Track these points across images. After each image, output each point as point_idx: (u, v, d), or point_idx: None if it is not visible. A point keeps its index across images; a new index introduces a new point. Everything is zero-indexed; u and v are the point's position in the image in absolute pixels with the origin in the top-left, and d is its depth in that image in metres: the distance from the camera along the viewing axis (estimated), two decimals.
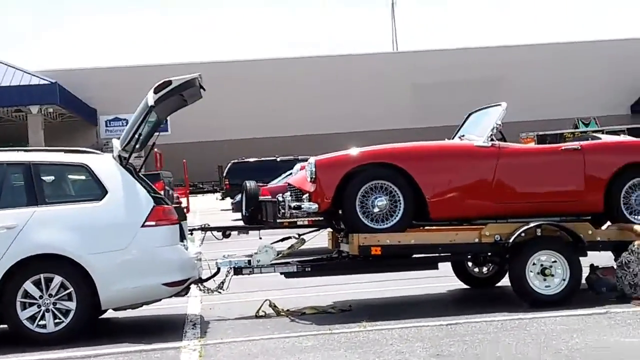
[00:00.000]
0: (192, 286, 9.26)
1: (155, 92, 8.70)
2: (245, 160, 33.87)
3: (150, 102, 8.63)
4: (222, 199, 33.60)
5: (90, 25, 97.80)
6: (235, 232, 12.50)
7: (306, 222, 11.27)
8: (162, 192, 16.21)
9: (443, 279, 10.42)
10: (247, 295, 10.21)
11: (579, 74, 54.29)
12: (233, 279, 9.40)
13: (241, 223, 12.68)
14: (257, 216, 11.15)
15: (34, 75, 40.57)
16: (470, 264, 10.09)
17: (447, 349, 7.06)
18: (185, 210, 35.26)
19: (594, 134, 9.90)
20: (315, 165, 8.92)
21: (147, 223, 8.41)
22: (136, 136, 8.82)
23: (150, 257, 8.42)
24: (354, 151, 9.25)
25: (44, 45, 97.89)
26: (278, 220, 10.48)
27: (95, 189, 8.50)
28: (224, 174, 34.03)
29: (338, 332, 7.91)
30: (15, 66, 42.13)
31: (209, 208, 34.65)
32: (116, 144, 8.89)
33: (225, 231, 12.38)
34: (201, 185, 50.76)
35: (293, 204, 9.15)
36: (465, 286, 10.30)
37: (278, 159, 30.62)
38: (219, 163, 41.14)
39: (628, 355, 6.53)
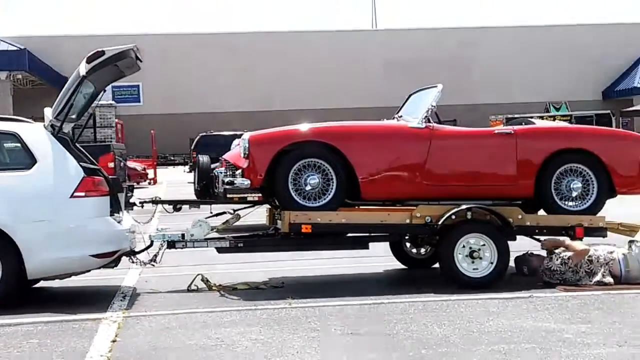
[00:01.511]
0: (125, 258, 9.32)
1: (88, 62, 8.65)
2: (214, 133, 33.67)
3: (82, 72, 8.59)
4: (190, 171, 33.48)
5: None
6: (187, 206, 12.60)
7: (256, 199, 11.24)
8: (112, 164, 16.29)
9: (383, 259, 10.42)
10: (189, 268, 10.12)
11: (552, 58, 54.23)
12: (183, 253, 9.53)
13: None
14: (208, 190, 11.23)
15: (3, 41, 40.28)
16: (408, 244, 10.14)
17: (363, 327, 7.11)
18: (152, 180, 35.51)
19: (529, 119, 9.90)
20: (249, 142, 8.90)
21: (75, 194, 8.37)
22: (67, 106, 8.75)
23: (78, 228, 8.38)
24: (288, 128, 9.27)
25: (15, 10, 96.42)
26: (229, 195, 10.55)
27: (24, 158, 8.46)
28: (192, 147, 33.88)
29: (262, 308, 7.92)
30: None
31: (177, 180, 34.57)
32: (47, 112, 8.84)
33: (176, 205, 12.44)
34: (172, 158, 50.61)
35: (227, 179, 9.18)
36: (403, 266, 10.30)
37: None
38: (192, 136, 40.99)
39: (536, 339, 6.52)
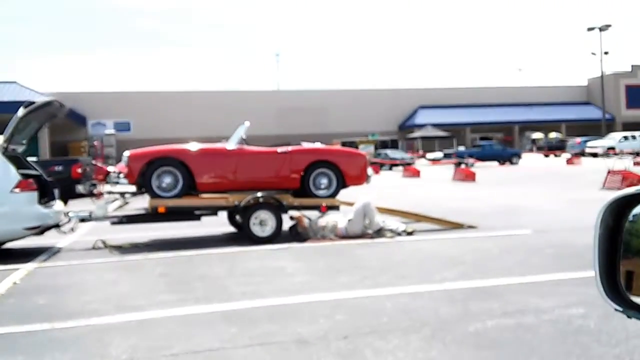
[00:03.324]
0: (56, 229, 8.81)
1: (24, 107, 8.18)
2: None
3: (19, 114, 8.09)
4: None
5: (82, 59, 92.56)
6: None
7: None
8: (80, 169, 15.50)
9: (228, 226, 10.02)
10: (113, 236, 9.29)
11: (370, 107, 54.78)
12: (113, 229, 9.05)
13: None
14: None
15: (41, 94, 38.15)
16: (237, 216, 9.87)
17: (171, 268, 6.76)
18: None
19: (302, 142, 9.69)
20: (128, 157, 8.57)
21: (14, 190, 7.92)
22: (10, 135, 8.18)
23: (16, 211, 7.92)
24: (153, 148, 8.93)
25: (50, 71, 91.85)
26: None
27: None
28: None
29: (125, 260, 7.50)
30: (28, 87, 39.56)
31: None
32: None
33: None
34: None
35: (114, 180, 8.79)
36: (235, 230, 10.00)
37: None
38: None
39: (264, 273, 6.29)
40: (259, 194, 8.66)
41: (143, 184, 8.70)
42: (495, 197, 14.62)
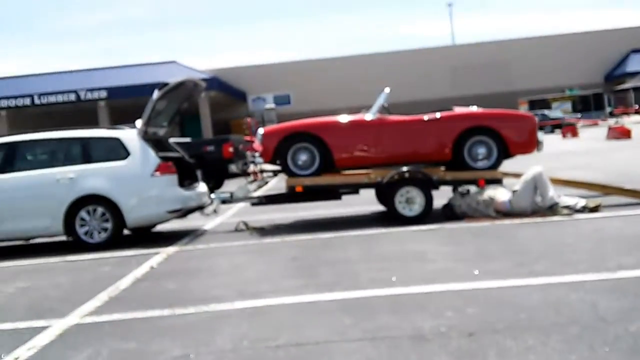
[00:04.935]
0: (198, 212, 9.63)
1: (159, 89, 8.95)
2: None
3: (154, 97, 8.89)
4: None
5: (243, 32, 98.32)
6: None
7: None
8: (230, 149, 16.61)
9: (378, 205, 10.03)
10: (252, 217, 9.99)
11: (565, 56, 50.72)
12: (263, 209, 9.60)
13: None
14: None
15: (200, 72, 41.73)
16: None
17: (305, 251, 7.00)
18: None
19: (449, 107, 9.34)
20: (262, 134, 9.01)
21: (154, 173, 8.75)
22: (148, 118, 8.96)
23: (157, 194, 8.69)
24: (288, 123, 9.24)
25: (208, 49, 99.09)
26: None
27: (122, 153, 8.83)
28: None
29: (262, 242, 7.95)
30: (187, 66, 43.38)
31: None
32: (138, 123, 9.09)
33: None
34: None
35: (251, 159, 9.30)
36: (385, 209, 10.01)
37: None
38: None
39: (402, 256, 6.28)
40: (405, 169, 8.56)
41: (280, 163, 9.08)
42: None
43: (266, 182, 10.02)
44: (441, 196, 8.82)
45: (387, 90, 9.11)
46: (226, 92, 45.50)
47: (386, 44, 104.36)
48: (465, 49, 53.09)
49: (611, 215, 7.79)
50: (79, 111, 41.36)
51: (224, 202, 9.57)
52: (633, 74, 46.29)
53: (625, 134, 25.03)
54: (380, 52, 53.65)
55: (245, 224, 9.30)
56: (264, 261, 6.83)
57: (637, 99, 43.57)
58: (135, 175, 8.69)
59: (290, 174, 8.88)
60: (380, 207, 9.85)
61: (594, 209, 8.03)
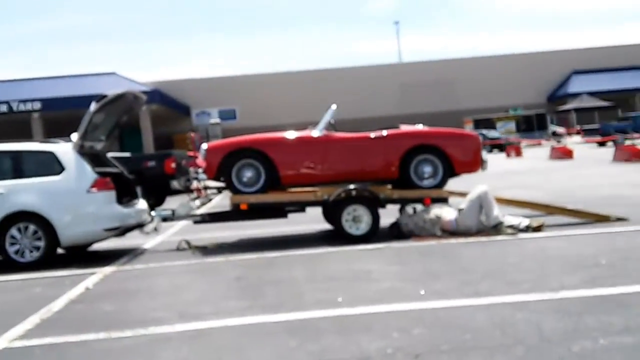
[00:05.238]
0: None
1: (96, 102, 8.77)
2: None
3: (91, 109, 8.70)
4: None
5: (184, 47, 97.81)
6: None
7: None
8: (173, 165, 16.37)
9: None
10: (195, 236, 9.87)
11: (510, 77, 52.49)
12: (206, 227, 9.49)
13: None
14: None
15: (141, 85, 41.13)
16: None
17: (249, 271, 6.95)
18: None
19: (396, 125, 9.49)
20: (206, 150, 8.94)
21: (90, 189, 8.53)
22: (84, 132, 8.74)
23: (93, 211, 8.49)
24: (232, 139, 9.20)
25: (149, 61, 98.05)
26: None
27: (57, 167, 8.59)
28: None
29: (205, 262, 7.85)
30: (128, 78, 42.74)
31: None
32: (73, 137, 8.90)
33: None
34: None
35: (194, 175, 9.20)
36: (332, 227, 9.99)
37: None
38: None
39: (347, 276, 6.30)
40: (352, 187, 8.61)
41: (224, 179, 9.00)
42: None
43: (210, 200, 9.93)
44: (388, 215, 8.92)
45: (334, 106, 9.18)
46: (169, 105, 44.97)
47: (334, 61, 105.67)
48: (412, 67, 54.15)
49: (554, 235, 8.03)
50: (12, 123, 40.07)
51: (165, 219, 9.43)
52: (574, 95, 48.18)
53: (567, 154, 26.05)
54: (328, 68, 54.16)
55: (188, 242, 9.16)
56: (206, 281, 6.75)
57: (579, 120, 45.30)
58: (70, 191, 8.48)
59: (235, 191, 8.82)
60: (327, 226, 9.88)
61: (537, 229, 8.26)
